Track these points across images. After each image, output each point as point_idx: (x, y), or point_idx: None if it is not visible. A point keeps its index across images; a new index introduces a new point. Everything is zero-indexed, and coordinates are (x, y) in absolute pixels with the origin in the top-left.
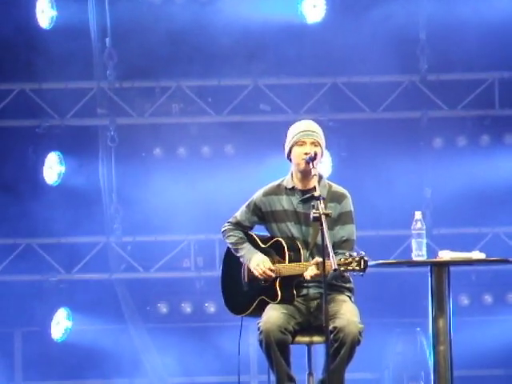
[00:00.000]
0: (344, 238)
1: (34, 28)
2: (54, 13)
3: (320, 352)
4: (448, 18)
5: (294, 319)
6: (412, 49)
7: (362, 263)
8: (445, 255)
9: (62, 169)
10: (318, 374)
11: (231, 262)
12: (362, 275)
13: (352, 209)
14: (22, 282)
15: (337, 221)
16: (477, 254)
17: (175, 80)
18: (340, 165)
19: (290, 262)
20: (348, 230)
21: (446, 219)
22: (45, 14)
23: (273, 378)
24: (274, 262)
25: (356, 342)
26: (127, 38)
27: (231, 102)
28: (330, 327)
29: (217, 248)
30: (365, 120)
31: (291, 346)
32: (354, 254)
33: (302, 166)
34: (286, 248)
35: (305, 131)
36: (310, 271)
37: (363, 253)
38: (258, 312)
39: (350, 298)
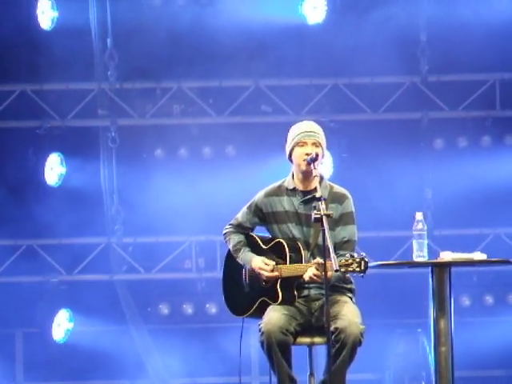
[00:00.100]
0: (345, 239)
1: (35, 29)
2: (54, 14)
3: (321, 353)
4: (448, 20)
5: (295, 320)
6: (413, 50)
7: (363, 264)
8: (446, 256)
9: (63, 170)
10: (319, 375)
11: (232, 264)
12: (363, 276)
13: (353, 209)
14: (23, 283)
15: (338, 221)
16: (478, 255)
17: (176, 81)
18: (341, 166)
19: (290, 262)
20: (349, 231)
21: (447, 220)
22: (46, 15)
23: (274, 379)
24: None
25: (357, 343)
26: (128, 39)
27: (232, 102)
28: (332, 328)
29: (218, 249)
30: (366, 121)
31: (292, 347)
32: (355, 254)
33: (303, 166)
34: (287, 249)
35: (306, 132)
36: (310, 272)
37: (364, 254)
38: (259, 313)
39: (351, 298)
